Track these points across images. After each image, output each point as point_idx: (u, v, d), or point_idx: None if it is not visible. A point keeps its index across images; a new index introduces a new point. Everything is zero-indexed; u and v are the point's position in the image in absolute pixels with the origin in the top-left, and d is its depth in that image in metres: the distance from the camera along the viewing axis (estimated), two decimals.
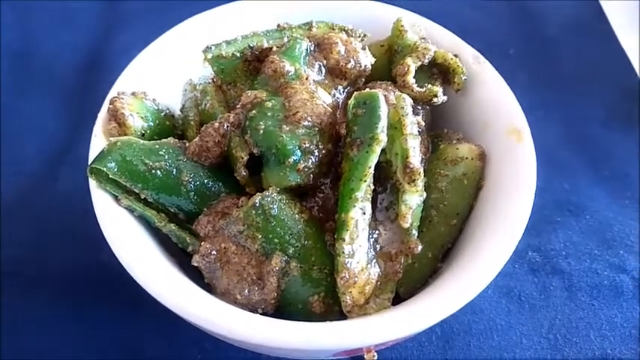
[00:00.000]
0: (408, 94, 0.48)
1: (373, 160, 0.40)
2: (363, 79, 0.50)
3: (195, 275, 0.42)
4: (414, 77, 0.49)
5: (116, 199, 0.41)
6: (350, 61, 0.48)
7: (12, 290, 0.56)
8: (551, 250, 0.62)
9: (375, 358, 0.38)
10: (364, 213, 0.41)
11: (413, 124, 0.42)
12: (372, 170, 0.40)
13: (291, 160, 0.40)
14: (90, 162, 0.40)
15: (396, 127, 0.42)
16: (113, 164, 0.40)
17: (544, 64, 0.82)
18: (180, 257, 0.43)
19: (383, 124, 0.40)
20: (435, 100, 0.48)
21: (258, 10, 0.54)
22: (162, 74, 0.50)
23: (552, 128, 0.74)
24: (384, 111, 0.41)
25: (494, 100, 0.48)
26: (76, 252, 0.58)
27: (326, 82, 0.48)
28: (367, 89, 0.48)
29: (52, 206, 0.63)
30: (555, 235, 0.63)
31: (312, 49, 0.48)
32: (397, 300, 0.43)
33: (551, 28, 0.88)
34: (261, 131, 0.41)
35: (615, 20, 0.86)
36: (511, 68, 0.81)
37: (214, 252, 0.40)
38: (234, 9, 0.54)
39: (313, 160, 0.41)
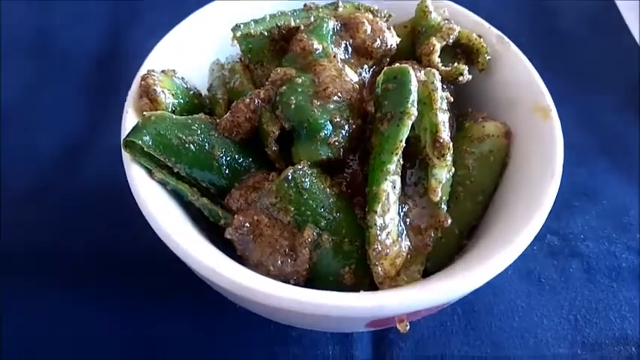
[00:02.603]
0: None
1: (404, 133, 0.40)
2: (388, 59, 0.50)
3: (227, 250, 0.42)
4: (439, 55, 0.50)
5: (149, 172, 0.42)
6: (376, 41, 0.48)
7: (34, 274, 0.56)
8: (570, 234, 0.63)
9: (408, 328, 0.39)
10: (394, 187, 0.41)
11: (442, 99, 0.42)
12: (403, 144, 0.40)
13: (322, 134, 0.41)
14: (124, 135, 0.41)
15: (425, 103, 0.42)
16: (148, 137, 0.40)
17: (556, 53, 0.83)
18: (211, 233, 0.43)
19: (413, 97, 0.41)
20: (460, 78, 0.49)
21: None
22: (190, 54, 0.51)
23: (567, 115, 0.75)
24: (414, 85, 0.41)
25: (519, 79, 0.49)
26: (99, 238, 0.58)
27: (352, 60, 0.48)
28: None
29: (73, 195, 0.64)
30: (573, 219, 0.64)
31: (338, 28, 0.48)
32: (424, 274, 0.43)
33: (564, 19, 0.89)
34: (293, 106, 0.42)
35: (627, 13, 0.87)
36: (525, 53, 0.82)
37: (247, 224, 0.40)
38: None
39: (343, 134, 0.42)
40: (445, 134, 0.41)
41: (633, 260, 0.61)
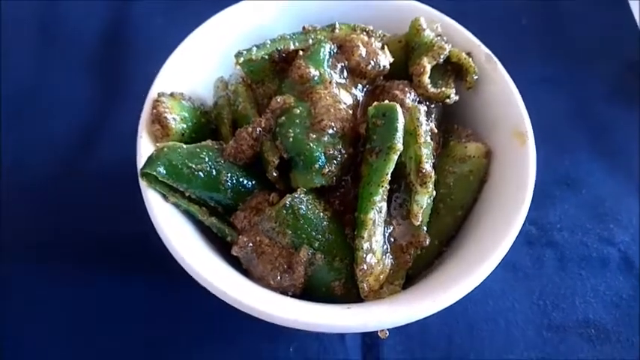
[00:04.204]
0: (422, 93, 0.52)
1: (390, 167, 0.45)
2: (382, 77, 0.54)
3: (234, 261, 0.48)
4: (430, 73, 0.53)
5: (164, 197, 0.47)
6: (370, 63, 0.51)
7: (50, 259, 0.61)
8: (548, 224, 0.68)
9: (387, 335, 0.46)
10: (380, 211, 0.47)
11: (426, 133, 0.46)
12: (388, 177, 0.45)
13: (316, 165, 0.46)
14: (140, 167, 0.46)
15: (411, 134, 0.47)
16: (162, 168, 0.45)
17: (556, 34, 0.84)
18: (220, 247, 0.49)
19: (400, 134, 0.45)
20: (447, 100, 0.52)
21: (279, 4, 0.57)
22: (196, 71, 0.54)
23: (558, 101, 0.78)
24: (400, 122, 0.46)
25: (502, 102, 0.52)
26: (114, 223, 0.63)
27: (347, 81, 0.52)
28: (385, 89, 0.52)
29: (89, 177, 0.68)
30: (553, 209, 0.69)
31: (335, 51, 0.52)
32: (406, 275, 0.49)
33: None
34: (291, 139, 0.46)
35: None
36: (522, 38, 0.84)
37: (250, 244, 0.46)
38: (257, 4, 0.57)
39: (336, 163, 0.47)
40: (428, 165, 0.46)
41: (603, 250, 0.66)
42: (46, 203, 0.66)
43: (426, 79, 0.52)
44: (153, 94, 0.50)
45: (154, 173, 0.45)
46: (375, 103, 0.47)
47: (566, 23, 0.85)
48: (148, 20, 0.83)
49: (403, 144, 0.46)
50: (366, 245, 0.45)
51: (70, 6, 0.83)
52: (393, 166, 0.45)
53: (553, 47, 0.83)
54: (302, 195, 0.46)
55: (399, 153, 0.45)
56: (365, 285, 0.46)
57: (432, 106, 0.53)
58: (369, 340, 0.58)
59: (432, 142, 0.47)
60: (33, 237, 0.63)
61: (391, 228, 0.48)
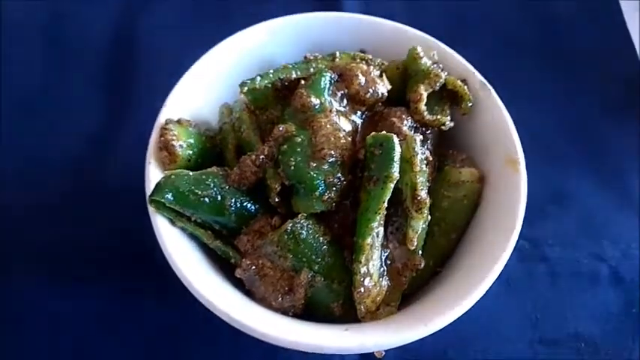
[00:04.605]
0: (419, 120, 0.54)
1: (387, 195, 0.47)
2: (380, 103, 0.56)
3: (238, 281, 0.51)
4: (426, 99, 0.55)
5: (171, 221, 0.49)
6: (369, 91, 0.54)
7: (58, 272, 0.63)
8: (540, 239, 0.70)
9: (383, 354, 0.48)
10: (378, 236, 0.49)
11: (422, 161, 0.49)
12: (385, 204, 0.48)
13: (317, 192, 0.48)
14: (149, 194, 0.48)
15: (407, 162, 0.49)
16: (169, 195, 0.48)
17: (550, 48, 0.86)
18: (224, 268, 0.51)
19: (396, 164, 0.47)
20: (442, 127, 0.55)
21: (283, 29, 0.59)
22: (203, 96, 0.57)
23: (551, 116, 0.79)
24: (397, 152, 0.48)
25: (495, 128, 0.54)
26: (119, 238, 0.64)
27: (347, 109, 0.54)
28: (383, 116, 0.55)
29: (98, 186, 0.69)
30: (545, 225, 0.70)
31: (335, 79, 0.54)
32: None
33: (561, 9, 0.90)
34: (292, 167, 0.48)
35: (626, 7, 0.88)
36: (516, 52, 0.85)
37: (253, 267, 0.49)
38: (262, 30, 0.59)
39: (336, 190, 0.49)
40: (423, 192, 0.48)
41: (593, 266, 0.68)
42: (48, 213, 0.67)
43: (423, 107, 0.54)
44: (161, 121, 0.52)
45: (162, 200, 0.48)
46: (373, 133, 0.49)
47: (560, 38, 0.87)
48: (158, 29, 0.84)
49: (400, 172, 0.48)
50: (363, 269, 0.48)
51: (77, 13, 0.84)
52: (390, 194, 0.47)
53: (546, 62, 0.84)
54: (302, 220, 0.48)
55: (395, 181, 0.47)
56: (362, 307, 0.48)
57: (428, 131, 0.55)
58: (366, 354, 0.60)
59: (427, 170, 0.49)
60: (33, 248, 0.64)
61: (388, 251, 0.50)
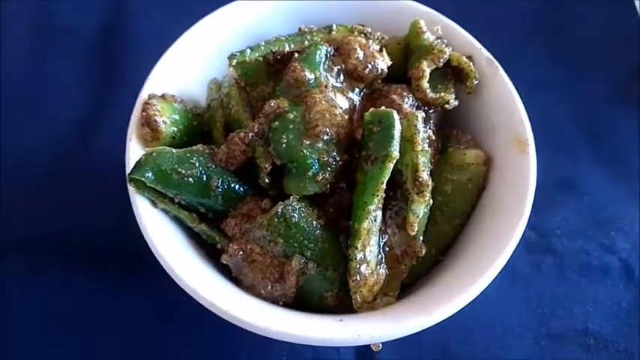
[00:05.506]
0: (421, 98, 0.51)
1: (386, 176, 0.44)
2: (380, 80, 0.52)
3: (224, 267, 0.47)
4: (429, 76, 0.52)
5: (153, 202, 0.46)
6: (367, 67, 0.50)
7: (48, 259, 0.60)
8: (548, 230, 0.67)
9: (380, 347, 0.45)
10: (376, 220, 0.45)
11: (424, 140, 0.45)
12: (384, 185, 0.44)
13: (310, 172, 0.44)
14: (128, 172, 0.45)
15: (408, 141, 0.45)
16: (150, 174, 0.44)
17: (559, 36, 0.83)
18: (209, 254, 0.48)
19: (396, 142, 0.44)
20: (446, 106, 0.51)
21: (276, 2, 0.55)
22: (189, 71, 0.53)
23: (560, 105, 0.77)
24: (397, 129, 0.44)
25: (503, 108, 0.51)
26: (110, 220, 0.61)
27: (344, 85, 0.50)
28: (383, 94, 0.51)
29: (86, 172, 0.67)
30: (553, 215, 0.67)
31: (331, 53, 0.50)
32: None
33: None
34: (284, 145, 0.45)
35: None
36: (524, 39, 0.82)
37: (241, 253, 0.45)
38: (254, 3, 0.55)
39: (330, 170, 0.45)
40: (425, 174, 0.45)
41: (603, 258, 0.65)
42: (42, 203, 0.65)
43: (425, 84, 0.51)
44: (143, 95, 0.49)
45: (142, 179, 0.44)
46: (372, 109, 0.46)
47: (569, 25, 0.84)
48: (146, 14, 0.81)
49: (400, 151, 0.44)
50: (359, 255, 0.44)
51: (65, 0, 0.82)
52: (389, 175, 0.44)
53: (555, 49, 0.81)
54: (294, 202, 0.45)
55: (395, 160, 0.44)
56: (358, 296, 0.45)
57: (431, 111, 0.52)
58: (363, 347, 0.57)
59: (429, 150, 0.46)
60: (28, 238, 0.62)
61: (386, 237, 0.47)
